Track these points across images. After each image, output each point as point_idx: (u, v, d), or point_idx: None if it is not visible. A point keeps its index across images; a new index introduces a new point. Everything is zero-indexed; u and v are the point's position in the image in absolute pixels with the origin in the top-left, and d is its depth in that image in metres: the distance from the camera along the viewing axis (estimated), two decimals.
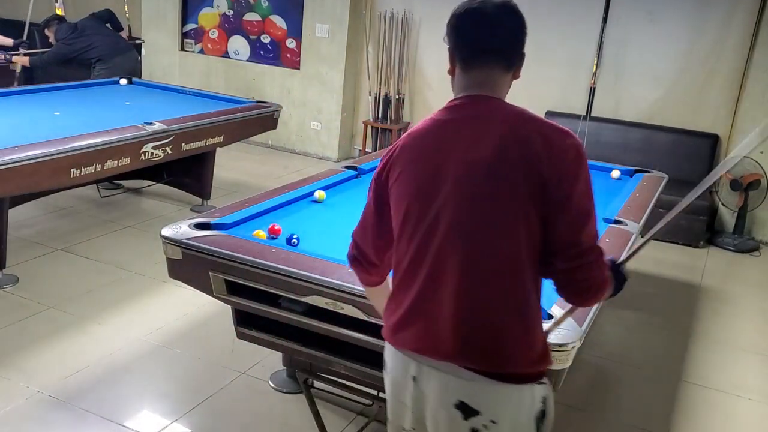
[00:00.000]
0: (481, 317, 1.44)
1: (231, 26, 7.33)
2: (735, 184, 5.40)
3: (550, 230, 1.42)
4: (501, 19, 1.50)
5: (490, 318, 1.45)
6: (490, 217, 1.43)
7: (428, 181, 1.49)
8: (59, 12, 7.08)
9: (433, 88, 6.68)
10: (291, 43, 7.07)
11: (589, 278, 1.45)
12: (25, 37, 6.32)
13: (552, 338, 1.78)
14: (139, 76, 6.70)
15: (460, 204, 1.45)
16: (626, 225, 2.99)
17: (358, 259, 1.71)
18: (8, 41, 6.26)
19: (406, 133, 1.59)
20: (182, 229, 2.43)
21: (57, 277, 3.90)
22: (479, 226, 1.44)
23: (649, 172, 4.12)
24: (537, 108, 6.47)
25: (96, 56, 6.11)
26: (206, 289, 2.41)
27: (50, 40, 6.34)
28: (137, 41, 7.20)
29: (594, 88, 5.96)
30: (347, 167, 3.48)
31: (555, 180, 1.40)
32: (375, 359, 2.28)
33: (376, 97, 6.78)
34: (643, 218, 3.15)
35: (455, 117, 1.52)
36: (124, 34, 6.65)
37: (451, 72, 1.59)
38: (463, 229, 1.45)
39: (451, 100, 1.56)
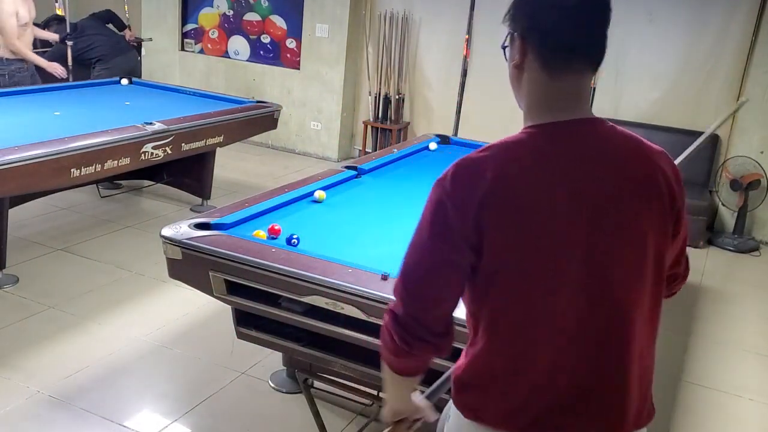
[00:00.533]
0: (646, 382, 1.31)
1: (231, 26, 7.33)
2: (735, 184, 5.40)
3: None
4: (598, 7, 1.23)
5: (649, 379, 1.32)
6: (639, 266, 1.25)
7: (556, 231, 1.20)
8: (59, 12, 7.08)
9: (433, 88, 6.68)
10: (291, 43, 7.07)
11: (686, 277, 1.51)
12: (68, 31, 6.29)
13: None
14: (139, 76, 6.70)
15: (605, 255, 1.22)
16: None
17: (426, 339, 1.27)
18: (54, 36, 6.23)
19: (498, 165, 1.22)
20: (182, 229, 2.43)
21: (57, 277, 3.90)
22: (634, 277, 1.24)
23: None
24: None
25: (96, 56, 6.12)
26: (206, 289, 2.41)
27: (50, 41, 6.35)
28: (144, 40, 7.14)
29: (594, 88, 5.96)
30: (347, 167, 3.48)
31: (682, 212, 1.32)
32: (375, 359, 2.28)
33: (376, 97, 6.78)
34: None
35: (567, 149, 1.24)
36: (130, 33, 6.68)
37: (519, 67, 1.27)
38: (614, 283, 1.23)
39: (553, 123, 1.25)
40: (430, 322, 1.27)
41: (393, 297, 1.30)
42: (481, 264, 1.22)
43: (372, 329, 2.11)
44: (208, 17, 7.43)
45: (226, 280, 2.34)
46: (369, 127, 6.86)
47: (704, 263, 5.11)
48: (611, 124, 1.28)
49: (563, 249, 1.20)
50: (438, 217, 1.24)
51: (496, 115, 6.18)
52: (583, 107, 1.27)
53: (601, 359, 1.23)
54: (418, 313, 1.26)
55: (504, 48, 1.31)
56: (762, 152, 5.46)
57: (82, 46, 6.14)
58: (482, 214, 1.19)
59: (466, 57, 6.38)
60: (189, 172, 5.13)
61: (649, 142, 1.32)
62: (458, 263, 1.23)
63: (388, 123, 6.77)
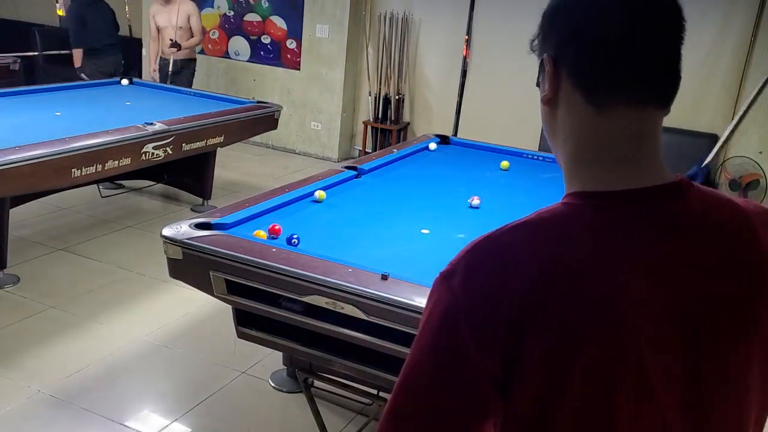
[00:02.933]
0: None
1: (231, 27, 7.34)
2: (734, 185, 5.41)
3: None
4: (666, 15, 0.85)
5: None
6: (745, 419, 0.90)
7: (640, 366, 0.80)
8: (60, 12, 7.10)
9: (433, 88, 6.69)
10: (291, 44, 7.08)
11: None
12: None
13: None
14: (139, 76, 6.72)
15: (706, 401, 0.85)
16: None
17: None
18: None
19: (542, 254, 0.80)
20: (183, 229, 2.44)
21: (58, 276, 3.91)
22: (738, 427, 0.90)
23: None
24: (536, 108, 6.50)
25: (91, 44, 6.22)
26: (207, 288, 2.42)
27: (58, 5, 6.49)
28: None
29: None
30: (347, 167, 3.49)
31: None
32: (375, 359, 2.29)
33: (376, 98, 6.79)
34: None
35: (649, 239, 0.83)
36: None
37: (551, 102, 0.90)
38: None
39: (617, 194, 0.84)
40: None
41: None
42: (509, 409, 0.81)
43: (372, 329, 2.12)
44: (208, 18, 7.43)
45: (226, 280, 2.35)
46: (369, 127, 6.87)
47: None
48: (698, 186, 0.89)
49: (649, 393, 0.81)
50: (445, 340, 0.81)
51: (496, 115, 6.20)
52: (657, 162, 0.86)
53: None
54: None
55: (538, 85, 0.92)
56: (761, 152, 5.47)
57: (91, 18, 6.27)
58: (517, 336, 0.78)
59: (465, 57, 6.39)
60: (189, 172, 5.14)
61: (759, 208, 0.93)
62: (479, 413, 0.81)
63: (388, 123, 6.77)
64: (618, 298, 0.79)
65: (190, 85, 6.38)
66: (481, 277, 0.81)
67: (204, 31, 6.47)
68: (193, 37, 6.37)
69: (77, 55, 6.29)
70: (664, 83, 0.85)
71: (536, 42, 0.90)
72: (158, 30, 6.27)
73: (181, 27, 6.25)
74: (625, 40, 0.82)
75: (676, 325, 0.82)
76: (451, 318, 0.80)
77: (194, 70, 6.58)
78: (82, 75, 6.30)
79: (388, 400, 0.85)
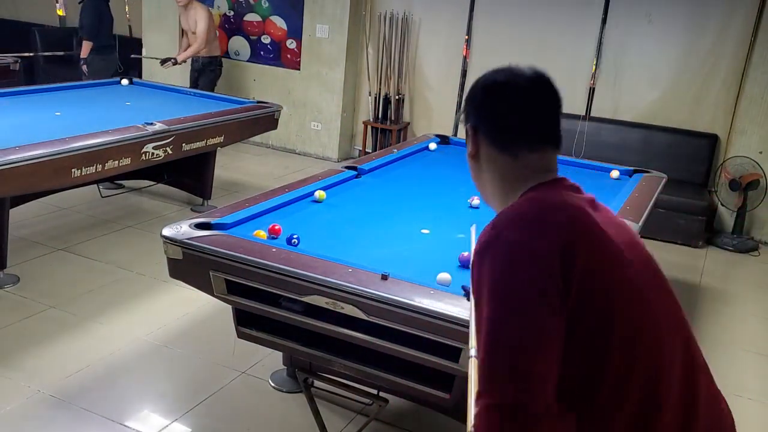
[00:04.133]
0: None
1: (231, 27, 7.34)
2: (734, 184, 5.41)
3: None
4: (545, 95, 1.30)
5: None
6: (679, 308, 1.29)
7: (637, 274, 1.21)
8: (60, 12, 7.10)
9: (433, 88, 6.69)
10: (291, 44, 7.08)
11: None
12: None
13: None
14: (140, 77, 6.72)
15: (667, 305, 1.25)
16: None
17: (546, 415, 1.04)
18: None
19: (562, 210, 1.20)
20: (183, 229, 2.44)
21: (58, 276, 3.91)
22: (682, 320, 1.28)
23: (648, 172, 4.13)
24: None
25: (101, 41, 6.28)
26: (207, 288, 2.42)
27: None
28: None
29: (593, 89, 5.97)
30: (347, 167, 3.49)
31: None
32: (375, 359, 2.29)
33: (376, 98, 6.79)
34: (643, 218, 3.16)
35: (583, 201, 1.27)
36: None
37: (474, 156, 1.33)
38: (682, 328, 1.26)
39: (549, 182, 1.27)
40: (544, 395, 1.05)
41: (486, 387, 1.06)
42: (578, 320, 1.11)
43: (372, 329, 2.12)
44: None
45: (226, 280, 2.35)
46: (369, 128, 6.87)
47: (703, 263, 5.12)
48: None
49: (649, 290, 1.21)
50: (518, 279, 1.09)
51: None
52: (555, 175, 1.30)
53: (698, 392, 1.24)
54: (537, 387, 1.04)
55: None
56: (761, 152, 5.47)
57: (102, 31, 6.32)
58: (569, 263, 1.10)
59: (465, 57, 6.39)
60: (189, 172, 5.14)
61: None
62: (560, 328, 1.09)
63: (388, 123, 6.77)
64: (607, 234, 1.20)
65: (212, 86, 6.42)
66: (525, 227, 1.15)
67: (205, 36, 6.40)
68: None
69: (87, 47, 6.37)
70: (554, 135, 1.30)
71: (463, 116, 1.33)
72: (185, 33, 6.42)
73: (194, 32, 6.36)
74: (524, 113, 1.27)
75: (629, 246, 1.24)
76: (517, 255, 1.11)
77: (214, 70, 6.58)
78: (84, 67, 6.35)
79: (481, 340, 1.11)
